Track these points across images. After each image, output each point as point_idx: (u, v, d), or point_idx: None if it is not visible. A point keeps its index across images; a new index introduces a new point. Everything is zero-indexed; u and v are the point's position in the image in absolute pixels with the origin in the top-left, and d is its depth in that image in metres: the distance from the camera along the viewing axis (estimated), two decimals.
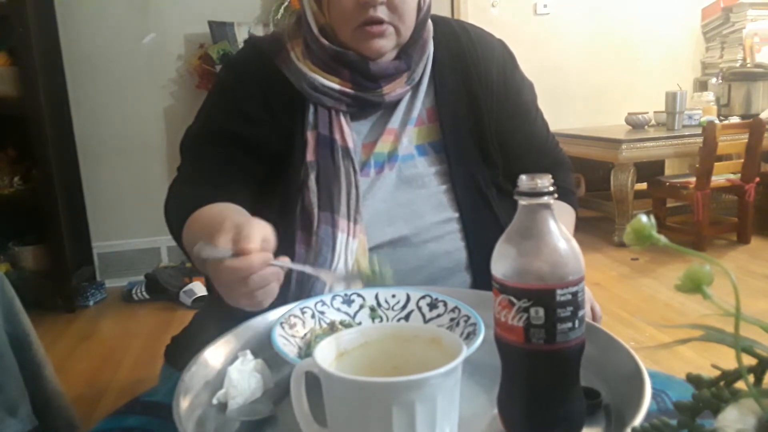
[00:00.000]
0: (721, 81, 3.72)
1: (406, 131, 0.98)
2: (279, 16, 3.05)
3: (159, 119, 3.11)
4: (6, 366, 1.04)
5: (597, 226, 3.56)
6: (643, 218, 0.40)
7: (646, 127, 3.49)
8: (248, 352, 0.67)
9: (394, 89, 0.97)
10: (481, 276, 0.96)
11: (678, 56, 3.97)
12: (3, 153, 2.81)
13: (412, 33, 0.96)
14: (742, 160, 3.17)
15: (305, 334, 0.72)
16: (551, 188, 0.51)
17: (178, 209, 0.92)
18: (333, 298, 0.78)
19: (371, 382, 0.47)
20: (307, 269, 0.80)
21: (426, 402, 0.47)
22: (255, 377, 0.64)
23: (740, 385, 0.40)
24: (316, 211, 0.93)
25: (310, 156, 0.95)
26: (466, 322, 0.71)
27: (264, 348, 0.69)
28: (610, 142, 3.22)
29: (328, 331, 0.72)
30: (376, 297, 0.79)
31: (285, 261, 0.70)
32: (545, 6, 3.76)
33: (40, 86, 2.64)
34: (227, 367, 0.64)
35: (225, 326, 0.73)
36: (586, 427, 0.54)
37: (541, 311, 0.49)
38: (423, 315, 0.76)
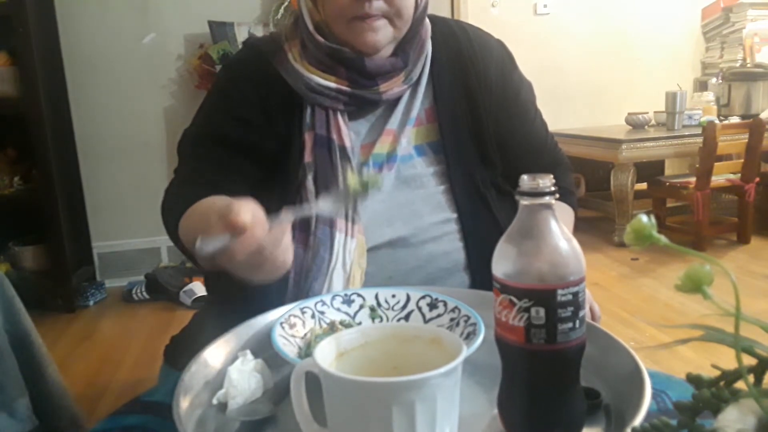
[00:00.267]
0: (721, 81, 3.72)
1: (405, 132, 0.98)
2: (279, 16, 3.05)
3: (159, 119, 3.11)
4: (6, 366, 1.04)
5: (597, 226, 3.56)
6: (643, 218, 0.40)
7: (646, 127, 3.49)
8: (248, 352, 0.67)
9: (391, 87, 0.97)
10: (479, 276, 0.96)
11: (678, 56, 3.97)
12: (3, 153, 2.81)
13: (408, 29, 0.96)
14: (742, 160, 3.17)
15: (305, 334, 0.72)
16: (552, 188, 0.51)
17: (174, 210, 0.92)
18: (333, 298, 0.78)
19: (371, 382, 0.47)
20: (305, 210, 0.78)
21: (426, 402, 0.47)
22: (255, 377, 0.64)
23: (740, 385, 0.40)
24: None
25: (307, 157, 0.95)
26: (466, 322, 0.71)
27: (264, 348, 0.69)
28: (610, 142, 3.22)
29: (328, 331, 0.72)
30: (376, 297, 0.79)
31: (285, 215, 0.69)
32: (545, 6, 3.76)
33: (40, 86, 2.64)
34: (227, 367, 0.64)
35: (225, 326, 0.73)
36: (586, 427, 0.54)
37: (542, 311, 0.49)
38: (423, 315, 0.76)
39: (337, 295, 0.79)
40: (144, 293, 2.88)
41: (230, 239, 0.63)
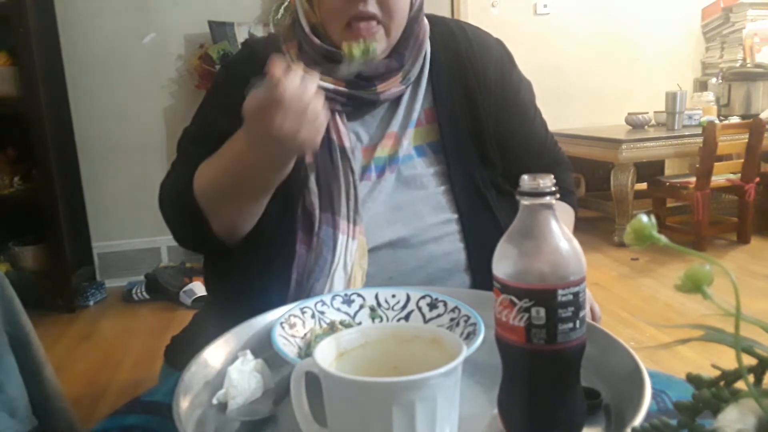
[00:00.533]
0: (721, 81, 3.72)
1: (407, 134, 0.98)
2: (279, 16, 3.05)
3: (159, 119, 3.11)
4: (6, 366, 1.04)
5: (597, 226, 3.56)
6: (643, 218, 0.40)
7: (646, 127, 3.49)
8: (248, 352, 0.67)
9: (388, 87, 0.97)
10: (480, 277, 0.95)
11: (678, 56, 3.97)
12: (3, 153, 2.81)
13: (403, 30, 0.96)
14: (742, 160, 3.17)
15: (305, 334, 0.72)
16: (553, 188, 0.51)
17: (179, 185, 0.93)
18: (333, 298, 0.78)
19: (371, 382, 0.47)
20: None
21: (426, 402, 0.47)
22: (255, 377, 0.64)
23: (740, 385, 0.40)
24: (317, 212, 0.93)
25: (308, 158, 0.95)
26: (466, 322, 0.71)
27: (264, 348, 0.69)
28: (610, 142, 3.22)
29: (328, 331, 0.72)
30: (376, 297, 0.79)
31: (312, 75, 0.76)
32: (545, 6, 3.76)
33: (40, 86, 2.64)
34: (227, 367, 0.64)
35: (225, 326, 0.73)
36: (586, 427, 0.54)
37: (543, 311, 0.49)
38: (423, 315, 0.76)
39: (337, 295, 0.79)
40: (144, 293, 2.88)
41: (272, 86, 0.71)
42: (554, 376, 0.52)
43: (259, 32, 3.03)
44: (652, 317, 2.35)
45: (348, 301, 0.78)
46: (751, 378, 0.40)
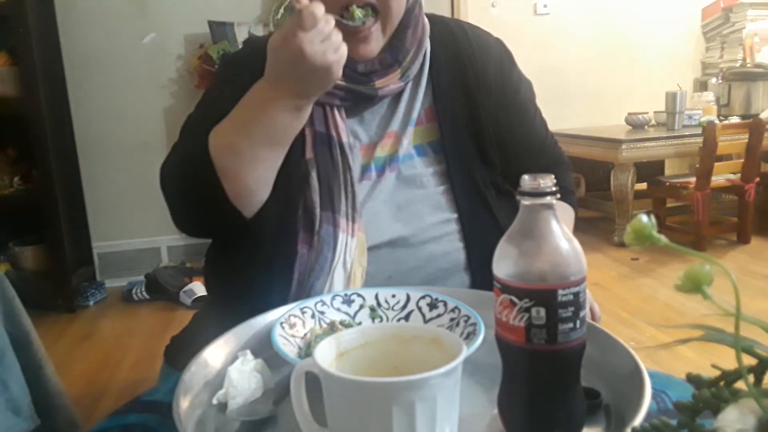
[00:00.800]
0: (721, 81, 3.72)
1: (406, 132, 0.98)
2: (279, 16, 3.05)
3: (159, 119, 3.11)
4: (8, 365, 1.04)
5: (597, 226, 3.56)
6: (643, 218, 0.40)
7: (646, 127, 3.49)
8: (248, 352, 0.67)
9: (387, 84, 0.96)
10: (479, 276, 0.95)
11: (678, 56, 3.97)
12: (3, 153, 2.81)
13: (400, 21, 0.95)
14: (742, 160, 3.17)
15: (305, 334, 0.72)
16: (554, 188, 0.51)
17: (190, 150, 0.91)
18: (333, 298, 0.78)
19: (371, 382, 0.47)
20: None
21: (426, 402, 0.47)
22: (255, 377, 0.64)
23: (740, 385, 0.40)
24: (318, 210, 0.93)
25: (309, 153, 0.94)
26: (466, 322, 0.71)
27: (264, 348, 0.69)
28: (610, 142, 3.22)
29: (328, 331, 0.72)
30: (376, 297, 0.79)
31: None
32: (545, 6, 3.76)
33: (40, 86, 2.64)
34: (227, 367, 0.64)
35: (225, 326, 0.73)
36: (586, 427, 0.54)
37: (543, 311, 0.49)
38: (423, 315, 0.76)
39: (337, 295, 0.79)
40: (144, 293, 2.88)
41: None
42: (554, 376, 0.52)
43: (259, 32, 3.03)
44: (652, 317, 2.35)
45: (348, 301, 0.78)
46: (751, 378, 0.40)
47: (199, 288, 2.75)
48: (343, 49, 0.83)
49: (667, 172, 3.84)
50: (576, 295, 0.50)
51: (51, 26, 2.90)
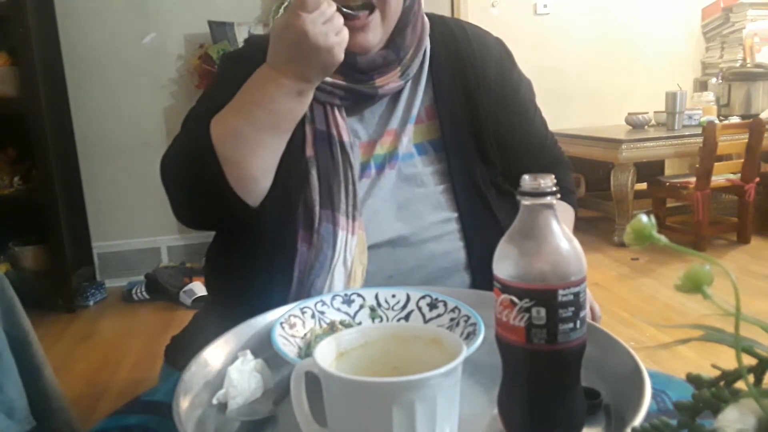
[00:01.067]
0: (721, 81, 3.72)
1: (406, 130, 0.98)
2: (279, 15, 3.05)
3: (159, 119, 3.11)
4: (5, 367, 1.04)
5: (597, 226, 3.56)
6: (643, 218, 0.40)
7: (646, 127, 3.49)
8: (248, 352, 0.67)
9: (387, 82, 0.96)
10: (480, 276, 0.95)
11: (678, 56, 3.97)
12: (3, 153, 2.81)
13: (399, 18, 0.95)
14: (742, 160, 3.17)
15: (305, 334, 0.72)
16: (554, 188, 0.51)
17: (191, 138, 0.91)
18: (333, 298, 0.78)
19: (371, 382, 0.47)
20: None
21: (426, 402, 0.47)
22: (255, 377, 0.64)
23: (740, 385, 0.40)
24: (317, 209, 0.93)
25: (309, 151, 0.94)
26: (466, 322, 0.71)
27: (264, 348, 0.69)
28: (610, 142, 3.22)
29: (328, 331, 0.72)
30: (376, 297, 0.79)
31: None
32: (545, 6, 3.76)
33: (40, 86, 2.64)
34: (227, 367, 0.64)
35: (225, 326, 0.73)
36: (586, 427, 0.54)
37: (543, 311, 0.49)
38: (423, 315, 0.76)
39: (337, 295, 0.79)
40: (144, 293, 2.88)
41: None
42: (554, 377, 0.52)
43: (259, 32, 3.03)
44: (652, 317, 2.35)
45: (348, 301, 0.78)
46: (751, 378, 0.40)
47: (199, 288, 2.75)
48: (345, 33, 0.84)
49: (667, 172, 3.84)
50: (576, 295, 0.50)
51: (51, 26, 2.89)
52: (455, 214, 0.98)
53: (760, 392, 0.38)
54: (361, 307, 0.78)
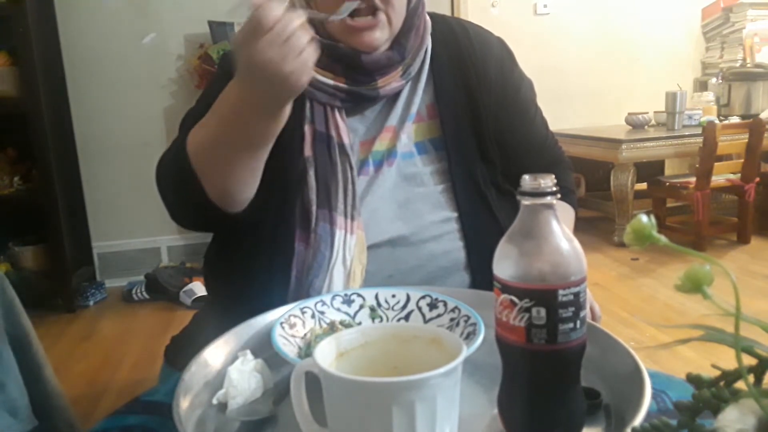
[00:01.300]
0: (721, 81, 3.72)
1: (405, 128, 0.98)
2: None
3: (159, 119, 3.11)
4: (6, 366, 1.04)
5: (597, 226, 3.56)
6: (643, 218, 0.40)
7: (646, 127, 3.49)
8: (248, 352, 0.67)
9: (389, 82, 0.96)
10: (480, 276, 0.95)
11: (678, 56, 3.97)
12: (3, 153, 2.81)
13: (404, 21, 0.95)
14: (742, 160, 3.17)
15: (305, 334, 0.72)
16: (554, 188, 0.51)
17: (173, 149, 0.90)
18: (333, 298, 0.78)
19: (371, 382, 0.47)
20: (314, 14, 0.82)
21: (426, 402, 0.47)
22: (255, 377, 0.64)
23: (740, 385, 0.40)
24: (314, 208, 0.93)
25: (307, 151, 0.94)
26: (466, 322, 0.71)
27: (264, 348, 0.69)
28: (610, 142, 3.22)
29: (328, 331, 0.72)
30: (376, 297, 0.79)
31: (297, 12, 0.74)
32: (545, 6, 3.76)
33: (40, 86, 2.64)
34: (227, 367, 0.64)
35: (225, 326, 0.73)
36: (586, 427, 0.54)
37: (543, 311, 0.49)
38: (423, 315, 0.76)
39: (337, 295, 0.79)
40: (144, 293, 2.88)
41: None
42: (554, 377, 0.52)
43: None
44: (652, 317, 2.36)
45: (348, 301, 0.78)
46: (751, 378, 0.40)
47: (199, 288, 2.75)
48: (307, 53, 0.74)
49: (667, 172, 3.85)
50: (576, 295, 0.50)
51: (51, 26, 2.90)
52: (455, 214, 0.98)
53: (760, 392, 0.38)
54: (361, 307, 0.78)
